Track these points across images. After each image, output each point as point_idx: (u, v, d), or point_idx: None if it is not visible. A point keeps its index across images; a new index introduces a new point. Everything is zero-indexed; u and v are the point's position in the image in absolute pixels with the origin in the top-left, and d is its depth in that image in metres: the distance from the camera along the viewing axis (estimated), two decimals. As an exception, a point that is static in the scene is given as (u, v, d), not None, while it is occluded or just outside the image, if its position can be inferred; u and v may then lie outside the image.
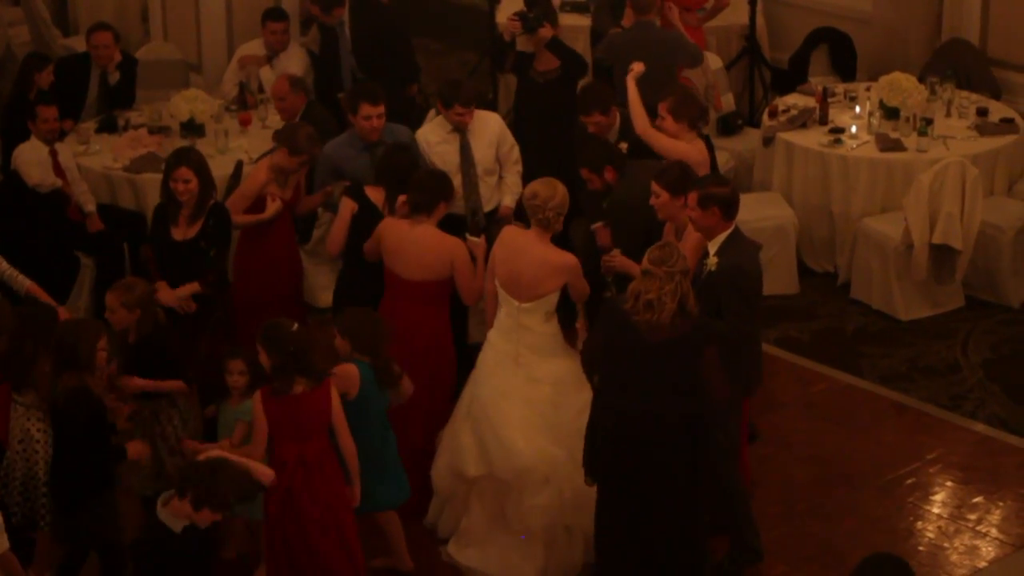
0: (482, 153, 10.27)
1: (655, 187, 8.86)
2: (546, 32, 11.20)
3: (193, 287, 9.31)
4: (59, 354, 7.92)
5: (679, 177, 8.77)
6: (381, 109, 9.96)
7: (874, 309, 11.48)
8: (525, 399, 8.59)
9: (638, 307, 7.80)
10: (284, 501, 7.92)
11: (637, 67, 10.19)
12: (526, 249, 8.66)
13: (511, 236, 8.79)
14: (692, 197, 8.31)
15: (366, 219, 9.40)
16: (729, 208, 8.30)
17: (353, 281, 9.52)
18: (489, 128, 10.33)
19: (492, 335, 8.78)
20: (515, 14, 11.28)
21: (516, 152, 10.40)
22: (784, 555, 8.89)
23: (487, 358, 8.77)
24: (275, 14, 12.84)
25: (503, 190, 10.34)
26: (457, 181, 10.13)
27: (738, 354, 8.30)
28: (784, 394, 10.31)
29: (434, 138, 10.26)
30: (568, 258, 8.70)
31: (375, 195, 9.48)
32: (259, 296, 9.78)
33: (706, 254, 8.35)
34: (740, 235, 8.38)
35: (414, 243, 8.98)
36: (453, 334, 9.31)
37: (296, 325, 7.91)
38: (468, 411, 8.75)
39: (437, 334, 9.04)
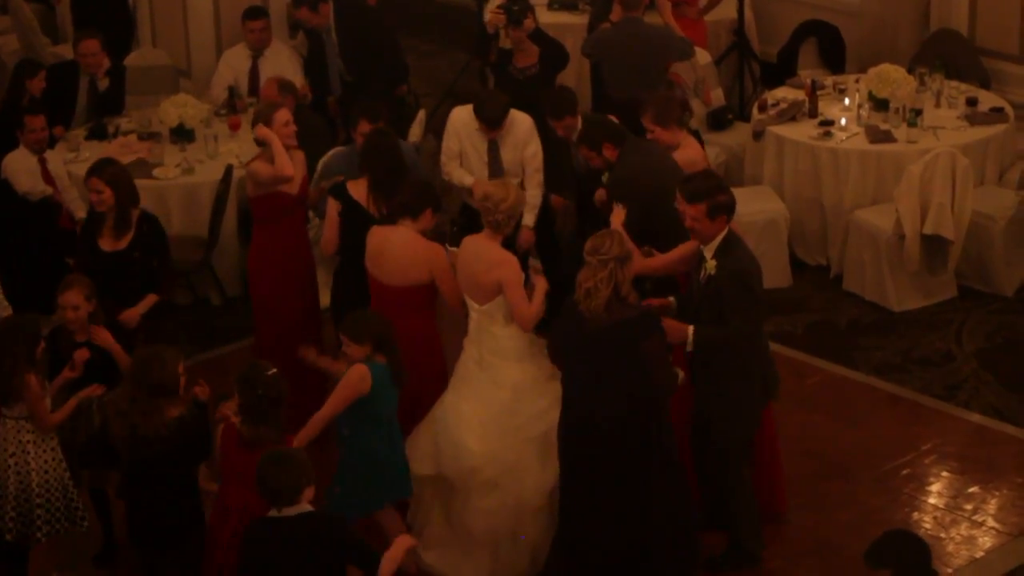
0: (510, 154, 10.32)
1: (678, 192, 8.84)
2: (530, 23, 11.23)
3: (152, 299, 9.26)
4: (141, 384, 7.68)
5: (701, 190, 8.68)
6: (380, 128, 9.92)
7: (867, 301, 11.48)
8: (484, 402, 8.59)
9: (580, 296, 8.00)
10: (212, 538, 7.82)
11: (617, 217, 9.34)
12: (476, 250, 8.67)
13: (467, 243, 8.79)
14: (700, 209, 8.22)
15: (351, 216, 9.41)
16: (732, 213, 8.33)
17: (348, 279, 9.51)
18: (519, 129, 10.33)
19: (464, 341, 8.79)
20: (499, 6, 11.33)
21: (539, 159, 10.35)
22: (781, 549, 8.88)
23: (458, 364, 8.79)
24: (252, 12, 12.82)
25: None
26: (483, 173, 10.26)
27: (747, 355, 8.37)
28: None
29: (470, 126, 10.30)
30: (504, 254, 8.66)
31: (357, 191, 9.46)
32: (275, 293, 9.82)
33: (702, 258, 8.33)
34: (734, 235, 8.38)
35: (394, 247, 8.93)
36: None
37: (274, 371, 7.72)
38: (435, 414, 8.75)
39: (423, 343, 8.91)
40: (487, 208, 8.63)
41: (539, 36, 11.46)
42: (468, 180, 10.33)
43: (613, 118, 9.94)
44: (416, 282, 8.91)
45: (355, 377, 8.15)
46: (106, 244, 9.36)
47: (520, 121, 10.34)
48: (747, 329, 8.28)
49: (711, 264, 8.25)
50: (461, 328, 8.97)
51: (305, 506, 7.15)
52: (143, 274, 9.31)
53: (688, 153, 9.78)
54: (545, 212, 10.85)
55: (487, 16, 11.99)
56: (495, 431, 8.56)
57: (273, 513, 7.16)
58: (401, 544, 7.29)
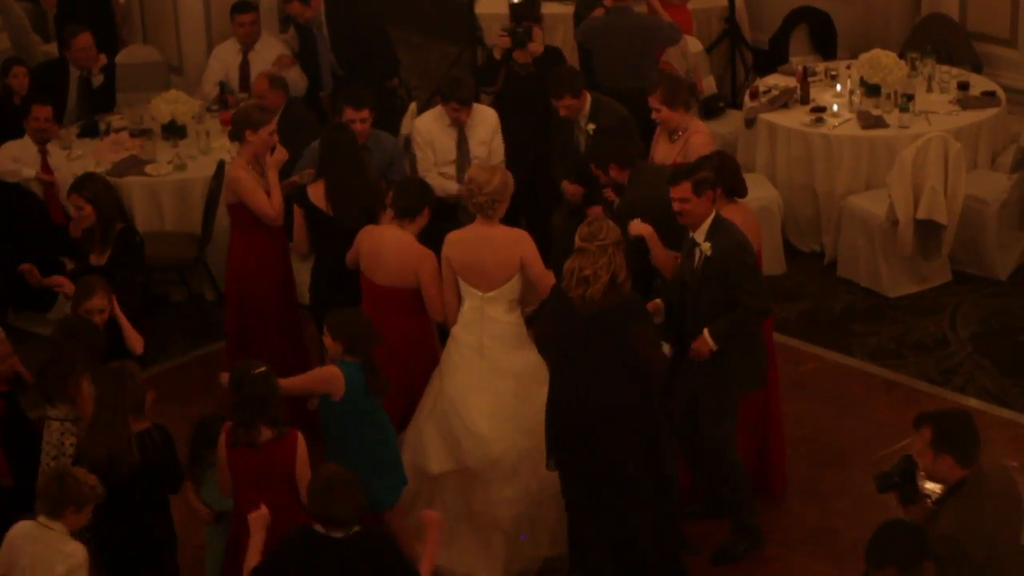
0: (477, 147, 10.44)
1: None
2: (535, 47, 11.19)
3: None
4: (115, 403, 7.62)
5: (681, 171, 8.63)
6: (365, 114, 9.95)
7: (861, 287, 11.48)
8: (491, 390, 8.59)
9: (571, 283, 7.98)
10: (233, 552, 7.76)
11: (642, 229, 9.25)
12: (481, 236, 8.66)
13: (459, 234, 8.77)
14: (684, 188, 8.24)
15: (311, 220, 9.41)
16: (716, 188, 8.34)
17: (323, 278, 9.53)
18: (486, 123, 10.51)
19: (455, 330, 8.75)
20: (504, 30, 11.23)
21: (501, 152, 10.53)
22: (778, 536, 8.90)
23: (451, 353, 8.73)
24: (241, 6, 12.80)
25: None
26: (452, 171, 10.39)
27: (752, 332, 8.43)
28: (773, 375, 10.30)
29: (435, 127, 10.46)
30: (519, 231, 8.73)
31: (315, 194, 9.43)
32: (256, 293, 9.79)
33: (694, 243, 8.32)
34: (722, 217, 8.39)
35: (387, 248, 8.91)
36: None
37: (263, 368, 7.69)
38: (432, 407, 8.71)
39: (413, 342, 8.89)
40: (470, 191, 8.67)
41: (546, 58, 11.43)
42: (452, 188, 10.39)
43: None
44: (407, 284, 8.89)
45: (321, 375, 8.13)
46: (94, 258, 9.41)
47: (487, 116, 10.53)
48: (758, 304, 8.33)
49: (706, 246, 8.25)
50: None
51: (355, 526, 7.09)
52: (119, 291, 9.17)
53: (701, 139, 9.80)
54: (543, 201, 10.88)
55: (493, 40, 11.96)
56: (507, 419, 8.57)
57: (319, 529, 7.02)
58: (432, 552, 7.25)
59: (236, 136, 9.71)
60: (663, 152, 9.96)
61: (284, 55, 12.75)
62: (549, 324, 8.27)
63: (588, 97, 10.36)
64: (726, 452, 8.57)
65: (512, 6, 11.15)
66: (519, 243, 8.66)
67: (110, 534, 7.69)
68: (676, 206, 8.31)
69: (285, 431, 7.65)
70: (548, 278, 8.59)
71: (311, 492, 7.03)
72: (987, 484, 6.62)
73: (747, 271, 8.32)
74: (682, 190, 8.25)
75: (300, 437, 7.70)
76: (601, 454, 8.07)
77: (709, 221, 8.30)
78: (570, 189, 10.39)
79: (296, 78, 12.55)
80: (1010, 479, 6.87)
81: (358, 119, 9.91)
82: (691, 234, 8.35)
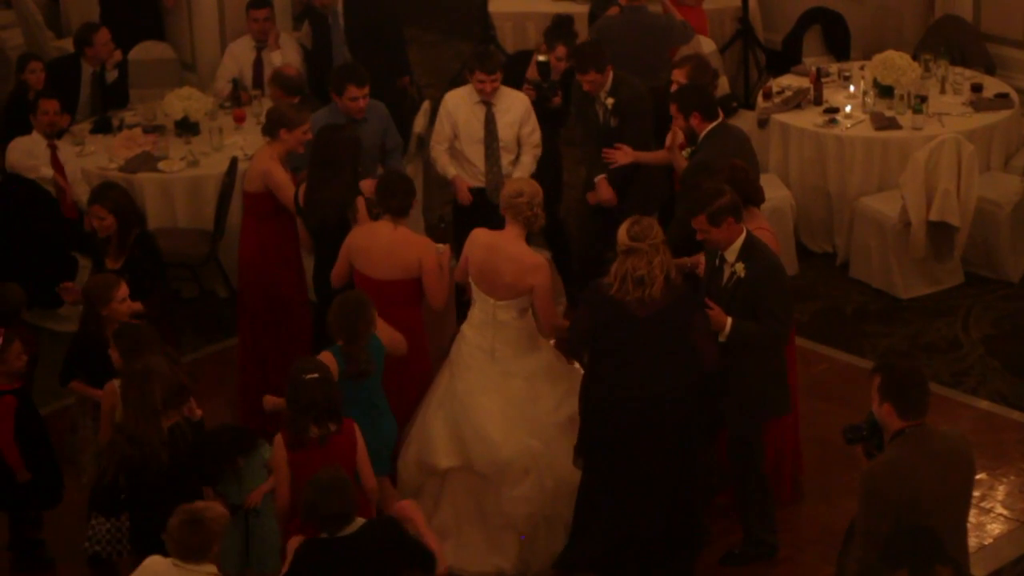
0: (504, 130, 10.50)
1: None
2: (559, 100, 11.19)
3: (137, 306, 9.12)
4: (143, 402, 7.61)
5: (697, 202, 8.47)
6: (367, 90, 10.17)
7: (874, 288, 11.48)
8: (502, 393, 8.58)
9: (627, 287, 7.90)
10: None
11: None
12: (503, 248, 8.62)
13: (486, 237, 8.75)
14: (701, 220, 8.14)
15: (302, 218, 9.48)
16: (737, 211, 8.22)
17: (321, 275, 9.53)
18: (515, 108, 10.54)
19: (466, 329, 8.76)
20: (530, 83, 11.20)
21: (537, 136, 10.59)
22: (788, 537, 8.88)
23: (461, 352, 8.73)
24: (256, 2, 12.81)
25: (516, 168, 10.49)
26: (479, 151, 10.43)
27: (778, 355, 8.40)
28: (792, 375, 10.28)
29: (464, 104, 10.51)
30: (539, 258, 8.67)
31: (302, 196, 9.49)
32: (265, 284, 9.82)
33: (723, 259, 8.25)
34: (754, 236, 8.31)
35: (384, 242, 8.89)
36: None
37: (313, 375, 7.65)
38: (440, 402, 8.70)
39: (408, 337, 8.78)
40: (521, 203, 8.59)
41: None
42: (451, 172, 10.51)
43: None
44: (405, 276, 8.87)
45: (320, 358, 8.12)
46: (110, 262, 9.44)
47: (517, 99, 10.56)
48: (781, 331, 8.29)
49: (739, 267, 8.17)
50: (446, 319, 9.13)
51: (358, 520, 7.06)
52: (132, 293, 9.17)
53: None
54: (549, 197, 10.90)
55: (494, 11, 11.91)
56: (518, 420, 8.56)
57: (324, 535, 7.02)
58: (435, 540, 7.33)
59: (270, 132, 9.76)
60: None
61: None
62: (586, 324, 8.16)
63: (611, 72, 10.43)
64: (753, 474, 8.55)
65: (539, 64, 11.12)
66: (534, 272, 8.58)
67: (143, 528, 7.69)
68: (699, 236, 8.25)
69: (343, 422, 7.71)
70: (551, 314, 8.57)
71: (307, 504, 7.00)
72: (927, 440, 6.71)
73: (782, 297, 8.25)
74: (699, 223, 8.16)
75: (355, 426, 7.76)
76: (644, 450, 8.05)
77: (740, 241, 8.19)
78: (606, 194, 10.40)
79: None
80: (963, 449, 6.84)
81: (361, 95, 10.11)
82: (721, 252, 8.26)
